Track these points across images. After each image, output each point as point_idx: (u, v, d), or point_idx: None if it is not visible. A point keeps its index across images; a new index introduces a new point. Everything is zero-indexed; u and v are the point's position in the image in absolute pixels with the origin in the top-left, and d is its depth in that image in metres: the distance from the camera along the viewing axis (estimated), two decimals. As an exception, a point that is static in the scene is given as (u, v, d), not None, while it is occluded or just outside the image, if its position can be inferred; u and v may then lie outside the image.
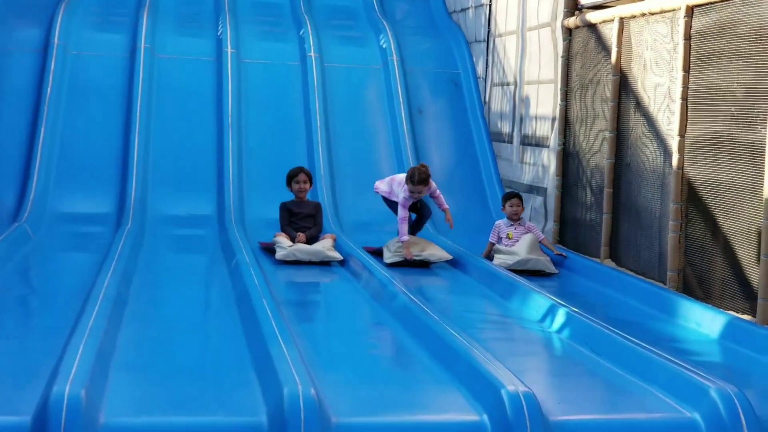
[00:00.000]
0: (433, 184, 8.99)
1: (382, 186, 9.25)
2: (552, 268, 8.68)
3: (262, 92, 11.72)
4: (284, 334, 5.33)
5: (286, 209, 9.20)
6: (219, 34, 12.27)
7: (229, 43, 11.96)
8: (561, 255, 8.98)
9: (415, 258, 8.69)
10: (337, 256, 8.58)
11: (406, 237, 8.77)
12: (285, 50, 12.27)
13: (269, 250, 8.96)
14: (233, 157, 10.82)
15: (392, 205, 9.21)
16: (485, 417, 4.38)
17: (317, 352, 5.72)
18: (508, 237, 9.07)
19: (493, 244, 9.08)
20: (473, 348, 5.22)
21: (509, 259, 8.64)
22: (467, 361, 5.04)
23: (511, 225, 9.14)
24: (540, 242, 8.99)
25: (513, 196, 9.29)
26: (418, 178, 8.77)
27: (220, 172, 10.69)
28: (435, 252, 8.81)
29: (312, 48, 12.06)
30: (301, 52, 12.14)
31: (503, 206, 9.29)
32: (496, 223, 9.28)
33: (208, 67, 11.82)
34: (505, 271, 8.17)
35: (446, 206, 9.12)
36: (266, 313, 5.83)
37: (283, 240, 8.80)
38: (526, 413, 4.29)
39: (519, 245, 8.83)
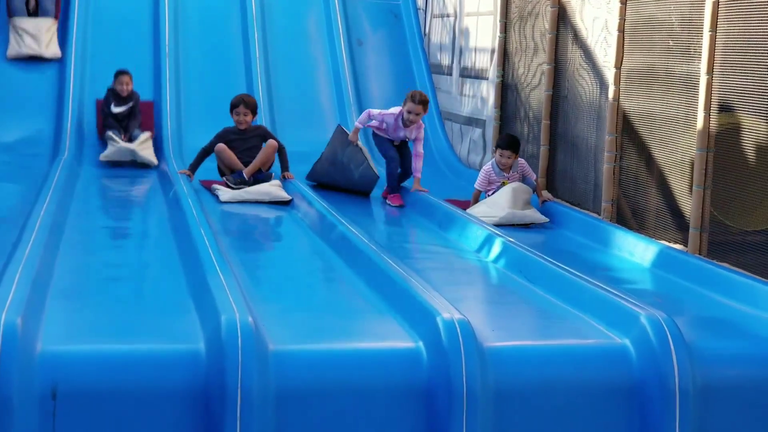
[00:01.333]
0: (423, 124, 8.80)
1: (373, 123, 8.85)
2: (541, 218, 7.85)
3: (200, 19, 11.56)
4: (222, 262, 5.32)
5: (225, 139, 8.67)
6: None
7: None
8: (551, 199, 8.24)
9: (357, 144, 8.81)
10: (286, 196, 8.23)
11: (359, 125, 8.84)
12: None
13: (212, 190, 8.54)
14: (170, 85, 10.69)
15: (380, 145, 8.86)
16: (421, 344, 4.42)
17: (255, 281, 5.74)
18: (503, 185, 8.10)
19: (480, 192, 8.25)
20: (410, 277, 5.26)
21: (493, 213, 7.70)
22: (404, 290, 5.08)
23: (504, 174, 8.17)
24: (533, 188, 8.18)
25: (507, 145, 8.20)
26: (420, 98, 8.54)
27: (158, 102, 10.57)
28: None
29: (251, -26, 11.91)
30: (239, -22, 11.98)
31: (494, 149, 8.34)
32: (485, 168, 8.26)
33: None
34: (448, 205, 7.87)
35: (419, 163, 8.70)
36: (204, 242, 5.81)
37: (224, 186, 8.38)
38: (461, 340, 4.34)
39: (500, 196, 7.90)
